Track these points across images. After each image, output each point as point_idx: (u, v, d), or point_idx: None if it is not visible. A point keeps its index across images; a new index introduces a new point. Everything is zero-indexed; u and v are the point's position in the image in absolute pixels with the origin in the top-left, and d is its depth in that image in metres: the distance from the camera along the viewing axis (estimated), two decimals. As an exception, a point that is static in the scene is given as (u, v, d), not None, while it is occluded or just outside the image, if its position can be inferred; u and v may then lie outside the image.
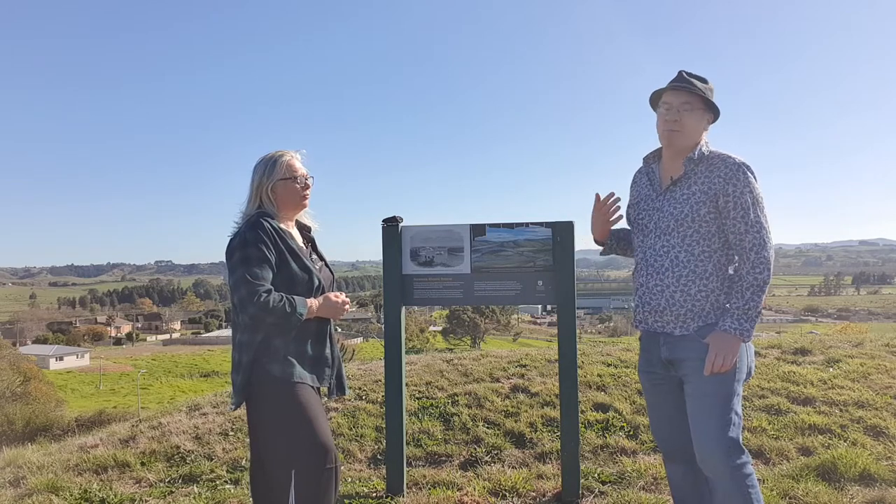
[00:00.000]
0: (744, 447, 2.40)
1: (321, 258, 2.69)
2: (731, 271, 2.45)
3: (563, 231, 3.61)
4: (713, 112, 2.49)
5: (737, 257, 2.42)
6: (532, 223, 3.64)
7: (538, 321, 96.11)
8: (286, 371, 2.43)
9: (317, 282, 2.52)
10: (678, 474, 2.62)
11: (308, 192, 2.60)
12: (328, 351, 2.59)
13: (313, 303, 2.47)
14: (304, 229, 2.70)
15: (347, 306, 2.57)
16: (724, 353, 2.31)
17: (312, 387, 2.51)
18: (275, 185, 2.52)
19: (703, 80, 2.48)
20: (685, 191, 2.45)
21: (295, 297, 2.42)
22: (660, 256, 2.49)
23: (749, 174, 2.39)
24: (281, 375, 2.42)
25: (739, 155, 2.44)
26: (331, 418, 4.77)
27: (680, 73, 2.50)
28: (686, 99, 2.44)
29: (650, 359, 2.58)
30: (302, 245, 2.59)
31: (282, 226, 2.52)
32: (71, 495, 3.80)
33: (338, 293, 2.60)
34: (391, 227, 3.73)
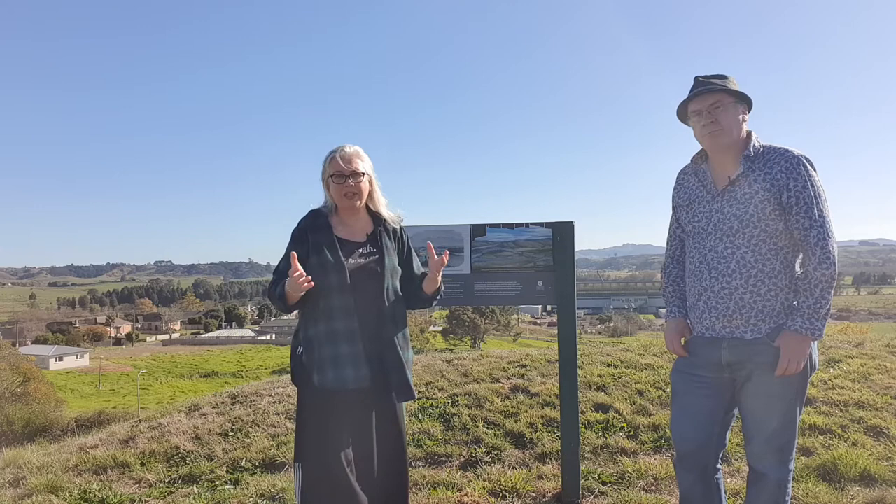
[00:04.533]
0: (793, 451, 2.43)
1: (380, 251, 2.61)
2: (797, 268, 2.38)
3: (563, 231, 3.60)
4: (746, 102, 2.42)
5: (802, 254, 2.36)
6: (532, 223, 3.63)
7: (538, 321, 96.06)
8: (307, 368, 2.51)
9: (335, 275, 2.47)
10: (688, 481, 2.57)
11: (346, 190, 2.55)
12: (356, 350, 2.48)
13: (289, 284, 2.41)
14: (379, 222, 2.68)
15: (301, 279, 2.35)
16: (797, 356, 2.27)
17: (336, 389, 2.46)
18: (328, 182, 2.60)
19: (722, 77, 2.43)
20: (746, 189, 2.36)
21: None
22: (724, 259, 2.40)
23: (809, 167, 2.31)
24: (301, 373, 2.53)
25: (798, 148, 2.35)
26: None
27: (696, 79, 2.46)
28: (713, 100, 2.39)
29: (697, 362, 2.51)
30: (353, 238, 2.58)
31: (332, 220, 2.60)
32: (70, 496, 3.80)
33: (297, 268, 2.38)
34: (391, 227, 3.72)
